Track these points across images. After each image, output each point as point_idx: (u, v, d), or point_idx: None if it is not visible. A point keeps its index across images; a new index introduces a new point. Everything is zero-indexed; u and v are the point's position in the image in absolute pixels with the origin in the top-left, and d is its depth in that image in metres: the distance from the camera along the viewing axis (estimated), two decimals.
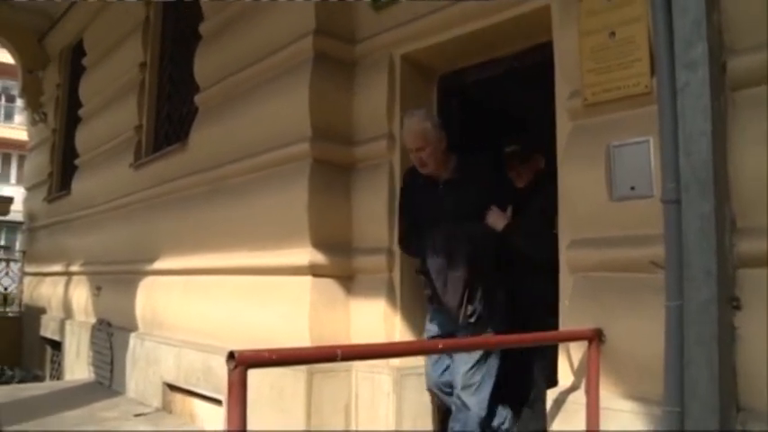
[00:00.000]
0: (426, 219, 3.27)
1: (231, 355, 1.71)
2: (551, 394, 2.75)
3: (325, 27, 4.03)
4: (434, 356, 3.33)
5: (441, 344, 2.16)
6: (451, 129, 3.96)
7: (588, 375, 2.54)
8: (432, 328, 3.34)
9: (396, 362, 3.46)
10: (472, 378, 3.11)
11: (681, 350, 2.10)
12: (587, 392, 2.53)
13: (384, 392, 3.51)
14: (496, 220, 3.18)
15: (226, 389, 1.70)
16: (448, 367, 3.27)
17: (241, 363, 1.71)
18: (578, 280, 2.79)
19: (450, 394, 3.27)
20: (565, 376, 2.75)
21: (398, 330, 3.63)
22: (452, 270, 3.08)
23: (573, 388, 2.70)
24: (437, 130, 3.29)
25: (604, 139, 2.68)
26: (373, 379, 3.57)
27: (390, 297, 3.68)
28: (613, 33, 2.71)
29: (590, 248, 2.73)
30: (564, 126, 2.95)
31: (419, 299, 3.55)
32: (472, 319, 3.07)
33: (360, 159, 3.96)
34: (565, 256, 2.88)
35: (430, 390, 3.43)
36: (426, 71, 3.97)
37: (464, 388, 3.12)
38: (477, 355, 3.12)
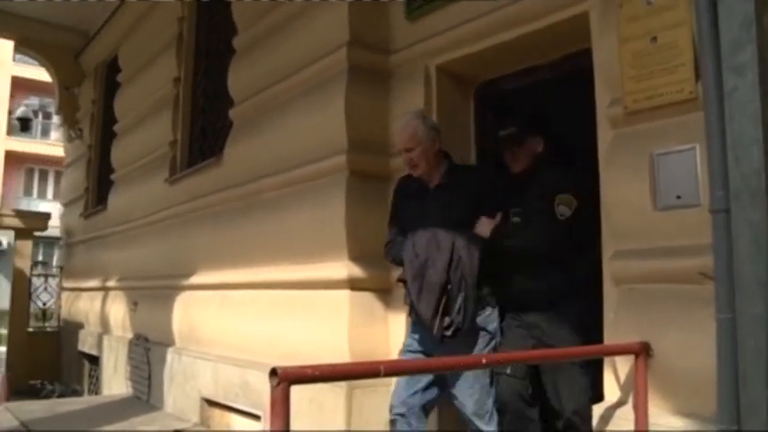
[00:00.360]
0: (414, 224, 3.14)
1: (274, 372, 1.72)
2: (597, 410, 2.70)
3: (360, 38, 4.06)
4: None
5: (484, 358, 2.14)
6: (489, 139, 3.97)
7: (636, 390, 2.50)
8: (410, 342, 3.13)
9: None
10: (485, 405, 2.98)
11: (734, 365, 2.05)
12: (635, 408, 2.49)
13: None
14: (484, 227, 3.06)
15: (267, 404, 1.71)
16: (428, 388, 3.00)
17: (284, 379, 1.71)
18: (623, 292, 2.75)
19: (418, 418, 3.00)
20: (611, 391, 2.71)
21: None
22: (429, 276, 2.93)
23: (620, 403, 2.65)
24: (429, 131, 3.17)
25: (647, 148, 2.65)
26: None
27: None
28: (655, 38, 2.68)
29: (635, 260, 2.69)
30: (605, 134, 2.92)
31: None
32: (448, 332, 2.87)
33: (397, 171, 3.94)
34: (608, 268, 2.84)
35: (393, 413, 3.02)
36: (462, 81, 3.97)
37: (479, 417, 2.98)
38: (483, 380, 2.96)
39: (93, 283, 8.13)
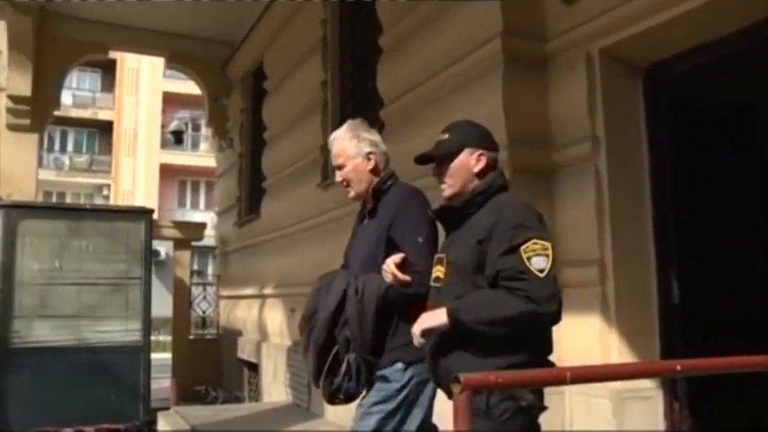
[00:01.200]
0: (347, 261, 2.87)
1: (457, 379, 1.74)
2: None
3: (514, 27, 4.02)
4: None
5: (678, 365, 2.05)
6: (661, 129, 3.79)
7: None
8: None
9: (616, 385, 3.33)
10: None
11: None
12: None
13: (603, 418, 3.39)
14: (386, 271, 2.54)
15: (447, 411, 1.73)
16: None
17: (467, 386, 1.72)
18: None
19: None
20: None
21: (616, 349, 3.49)
22: (313, 332, 2.62)
23: None
24: (363, 144, 2.82)
25: None
26: (589, 403, 3.47)
27: (604, 313, 3.56)
28: None
29: None
30: None
31: (639, 315, 3.41)
32: (341, 396, 2.60)
33: (561, 165, 3.89)
34: None
35: None
36: (629, 64, 3.83)
37: None
38: None
39: (250, 290, 8.56)
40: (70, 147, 31.28)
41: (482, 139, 2.51)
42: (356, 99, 6.33)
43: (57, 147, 30.68)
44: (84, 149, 31.12)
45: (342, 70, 6.66)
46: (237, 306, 9.32)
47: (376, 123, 5.57)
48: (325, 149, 6.55)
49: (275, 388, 7.26)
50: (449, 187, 2.44)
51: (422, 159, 2.53)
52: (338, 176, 2.87)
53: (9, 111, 8.69)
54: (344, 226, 5.89)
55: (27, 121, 8.86)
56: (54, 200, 27.10)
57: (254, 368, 8.25)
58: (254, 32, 8.75)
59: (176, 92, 26.24)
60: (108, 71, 29.26)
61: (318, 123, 6.67)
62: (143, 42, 9.96)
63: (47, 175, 24.92)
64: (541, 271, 2.16)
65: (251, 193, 9.34)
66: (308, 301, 2.72)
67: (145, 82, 28.89)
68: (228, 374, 9.42)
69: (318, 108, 6.72)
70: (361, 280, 2.59)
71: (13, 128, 8.81)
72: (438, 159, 2.47)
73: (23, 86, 8.61)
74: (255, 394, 8.18)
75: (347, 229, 5.76)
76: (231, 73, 10.02)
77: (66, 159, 30.52)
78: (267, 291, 7.95)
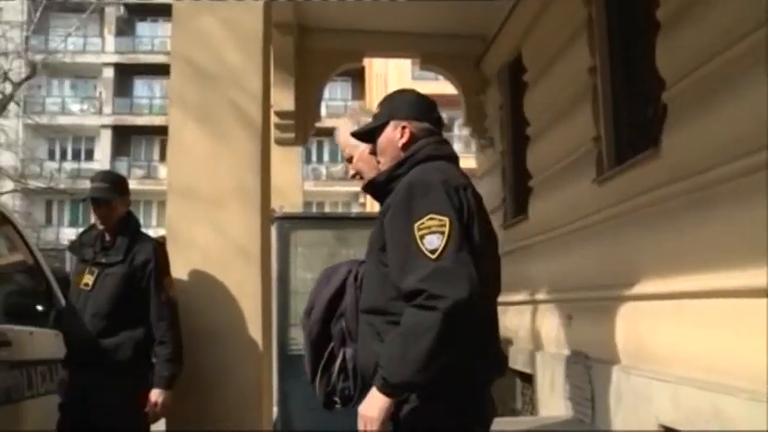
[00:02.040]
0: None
1: None
2: None
3: None
4: None
5: None
6: None
7: None
8: None
9: None
10: None
11: None
12: None
13: None
14: None
15: None
16: None
17: None
18: None
19: None
20: None
21: None
22: (310, 325, 2.52)
23: None
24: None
25: None
26: None
27: None
28: None
29: None
30: None
31: None
32: (336, 398, 2.47)
33: None
34: None
35: None
36: None
37: None
38: None
39: (520, 296, 8.51)
40: (326, 156, 33.77)
41: (410, 109, 2.43)
42: (631, 82, 6.04)
43: (314, 157, 33.24)
44: (339, 158, 33.37)
45: (612, 53, 6.39)
46: (506, 313, 9.30)
47: (657, 107, 5.30)
48: (598, 141, 6.37)
49: (552, 401, 7.16)
50: (383, 167, 2.40)
51: (359, 137, 2.52)
52: (350, 170, 2.80)
53: (276, 126, 9.55)
54: (625, 224, 5.72)
55: (292, 135, 9.71)
56: (314, 209, 29.38)
57: (527, 379, 8.20)
58: (509, 23, 8.76)
59: (425, 93, 27.13)
60: (357, 79, 31.09)
61: (589, 113, 6.45)
62: (396, 46, 10.44)
63: (306, 185, 26.95)
64: (433, 252, 2.08)
65: (516, 194, 9.30)
66: (310, 295, 2.67)
67: (393, 86, 30.19)
68: (499, 385, 9.41)
69: (588, 96, 6.51)
70: (364, 266, 2.48)
71: (280, 142, 9.67)
72: (369, 137, 2.44)
73: (287, 102, 9.45)
74: (530, 407, 8.13)
75: (627, 228, 5.62)
76: (486, 68, 10.11)
77: (322, 169, 32.98)
78: (539, 296, 7.88)
